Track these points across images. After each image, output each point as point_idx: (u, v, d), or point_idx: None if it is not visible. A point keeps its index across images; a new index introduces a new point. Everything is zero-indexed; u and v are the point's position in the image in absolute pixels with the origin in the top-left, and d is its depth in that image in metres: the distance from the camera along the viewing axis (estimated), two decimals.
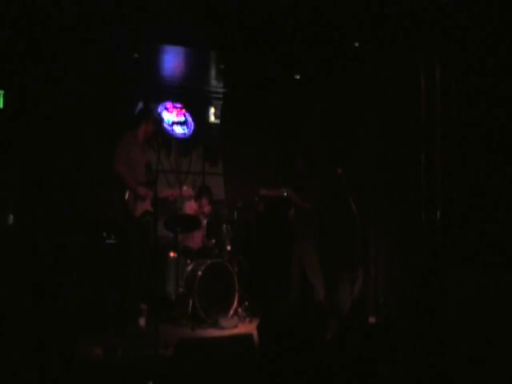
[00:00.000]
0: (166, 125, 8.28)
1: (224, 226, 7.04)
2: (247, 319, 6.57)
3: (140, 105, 7.98)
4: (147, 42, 6.60)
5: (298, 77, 7.56)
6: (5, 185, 6.48)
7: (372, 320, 6.07)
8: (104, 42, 6.33)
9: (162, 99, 8.34)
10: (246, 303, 6.79)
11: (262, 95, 8.14)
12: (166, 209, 7.26)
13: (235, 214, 7.32)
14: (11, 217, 6.46)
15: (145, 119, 6.15)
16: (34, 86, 6.52)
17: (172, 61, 7.48)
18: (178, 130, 8.42)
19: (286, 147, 8.08)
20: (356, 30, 6.16)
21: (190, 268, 6.56)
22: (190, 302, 6.23)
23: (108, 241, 6.47)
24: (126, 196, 5.74)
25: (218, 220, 7.46)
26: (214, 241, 7.04)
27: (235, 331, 6.04)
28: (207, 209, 7.21)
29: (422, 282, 5.75)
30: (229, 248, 6.90)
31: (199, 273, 6.33)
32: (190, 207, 7.21)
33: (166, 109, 8.35)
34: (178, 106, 8.44)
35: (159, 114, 8.22)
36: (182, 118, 8.45)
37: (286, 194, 6.64)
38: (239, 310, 6.65)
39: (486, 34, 5.29)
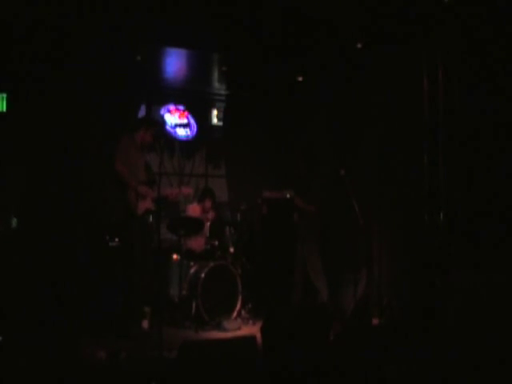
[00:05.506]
0: (168, 127, 8.28)
1: (227, 228, 7.04)
2: (250, 321, 6.56)
3: (143, 107, 7.99)
4: (150, 45, 6.62)
5: (300, 78, 7.55)
6: (8, 188, 6.48)
7: (375, 321, 6.06)
8: (107, 44, 6.34)
9: (164, 101, 8.34)
10: (250, 305, 6.78)
11: (264, 97, 8.13)
12: (169, 211, 7.26)
13: (238, 216, 7.30)
14: (14, 220, 6.47)
15: (145, 127, 6.13)
16: (37, 89, 6.53)
17: (174, 63, 7.48)
18: (181, 132, 8.43)
19: (289, 149, 8.07)
20: (358, 31, 6.16)
21: (193, 270, 6.56)
22: (194, 304, 6.22)
23: (111, 243, 6.47)
24: (128, 194, 5.78)
25: (221, 222, 7.45)
26: (217, 243, 7.04)
27: (238, 333, 6.03)
28: (211, 212, 7.20)
29: (426, 283, 5.74)
30: (232, 250, 6.89)
31: (202, 275, 6.33)
32: (193, 209, 7.20)
33: (169, 111, 8.36)
34: (181, 108, 8.44)
35: (162, 117, 8.22)
36: (185, 121, 8.45)
37: (288, 196, 6.64)
38: (242, 311, 6.64)
39: (488, 34, 5.29)
